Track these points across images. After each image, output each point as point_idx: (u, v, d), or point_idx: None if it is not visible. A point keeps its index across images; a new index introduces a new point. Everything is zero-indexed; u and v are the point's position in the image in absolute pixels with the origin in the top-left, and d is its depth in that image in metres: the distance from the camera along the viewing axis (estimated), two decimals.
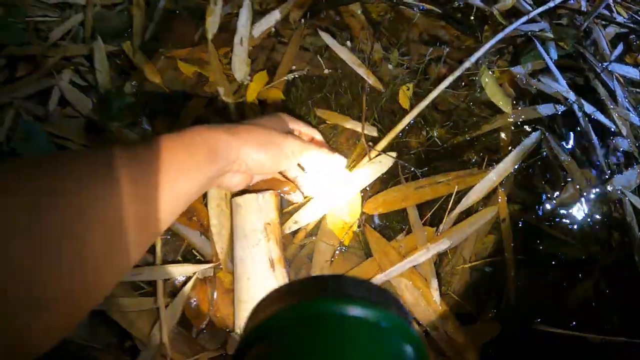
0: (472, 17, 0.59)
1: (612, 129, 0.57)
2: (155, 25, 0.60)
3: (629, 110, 0.60)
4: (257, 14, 0.59)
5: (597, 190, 0.52)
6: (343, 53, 0.54)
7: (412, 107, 0.51)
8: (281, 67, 0.54)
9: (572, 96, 0.57)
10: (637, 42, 0.65)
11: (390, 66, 0.54)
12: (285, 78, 0.53)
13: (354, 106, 0.51)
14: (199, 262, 0.46)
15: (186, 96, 0.54)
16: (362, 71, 0.53)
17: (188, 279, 0.45)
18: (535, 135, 0.52)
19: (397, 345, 0.16)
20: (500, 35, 0.56)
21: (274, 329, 0.16)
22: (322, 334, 0.15)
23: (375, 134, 0.50)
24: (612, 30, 0.65)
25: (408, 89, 0.51)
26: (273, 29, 0.58)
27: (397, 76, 0.53)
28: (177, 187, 0.29)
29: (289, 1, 0.58)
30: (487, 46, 0.54)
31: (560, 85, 0.58)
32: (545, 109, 0.55)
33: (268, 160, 0.37)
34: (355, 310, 0.16)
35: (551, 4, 0.61)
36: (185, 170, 0.29)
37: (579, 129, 0.55)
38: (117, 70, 0.56)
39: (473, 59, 0.53)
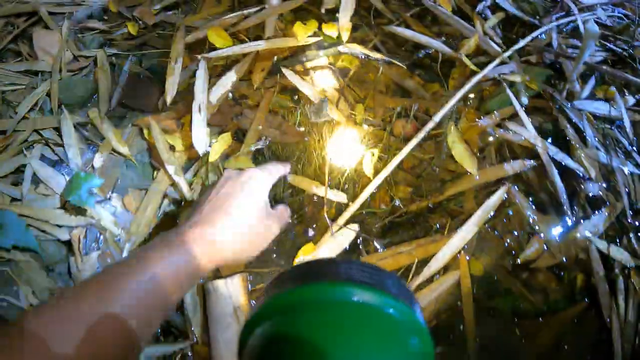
0: (439, 63, 0.58)
1: (580, 173, 0.57)
2: (121, 89, 0.60)
3: (598, 149, 0.60)
4: (215, 75, 0.56)
5: (563, 238, 0.53)
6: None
7: (376, 173, 0.51)
8: (249, 134, 0.54)
9: (540, 143, 0.57)
10: (609, 73, 0.64)
11: (356, 124, 0.54)
12: (253, 148, 0.53)
13: (320, 176, 0.52)
14: (177, 336, 0.49)
15: (153, 167, 0.54)
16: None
17: (168, 355, 0.48)
18: (499, 193, 0.52)
19: (403, 332, 0.15)
20: (467, 87, 0.55)
21: (278, 310, 0.16)
22: (323, 318, 0.15)
23: (344, 200, 0.51)
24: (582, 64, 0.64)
25: (373, 155, 0.52)
26: (230, 94, 0.55)
27: (364, 137, 0.54)
28: (164, 303, 0.30)
29: (245, 60, 0.56)
30: (451, 102, 0.54)
31: (528, 132, 0.57)
32: (512, 167, 0.55)
33: (245, 255, 0.37)
34: (361, 296, 0.15)
35: (520, 44, 0.60)
36: (165, 288, 0.30)
37: (546, 177, 0.56)
38: (85, 141, 0.56)
39: (437, 118, 0.53)
